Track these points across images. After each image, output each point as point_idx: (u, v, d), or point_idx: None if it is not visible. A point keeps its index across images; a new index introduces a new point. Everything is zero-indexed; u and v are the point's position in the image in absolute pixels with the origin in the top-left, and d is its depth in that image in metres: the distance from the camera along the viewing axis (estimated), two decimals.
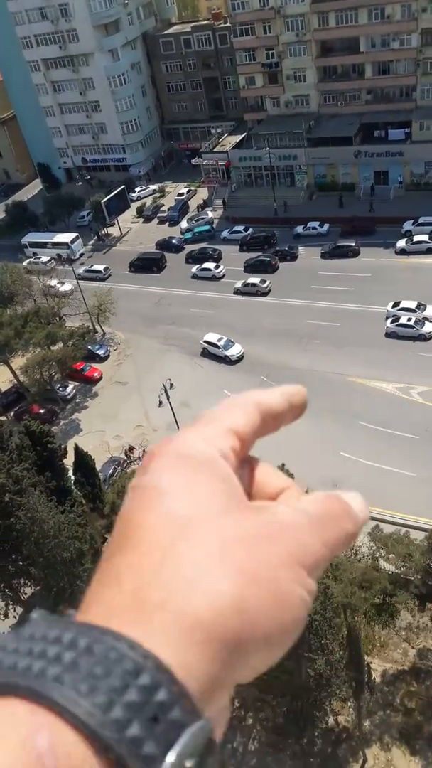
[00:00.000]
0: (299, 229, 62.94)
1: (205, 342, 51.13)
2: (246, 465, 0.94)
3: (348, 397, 43.31)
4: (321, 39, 65.76)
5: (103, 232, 73.99)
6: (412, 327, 46.58)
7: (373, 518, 33.03)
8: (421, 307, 47.78)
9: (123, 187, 76.24)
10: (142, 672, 0.62)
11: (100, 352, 55.30)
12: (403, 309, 48.02)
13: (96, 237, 74.26)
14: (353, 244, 57.88)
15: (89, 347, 54.13)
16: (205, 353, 51.16)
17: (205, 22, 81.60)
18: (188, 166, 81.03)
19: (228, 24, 72.34)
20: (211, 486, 0.80)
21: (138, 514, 0.76)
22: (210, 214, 70.90)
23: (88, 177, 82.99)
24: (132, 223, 75.64)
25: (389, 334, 47.39)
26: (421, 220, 57.97)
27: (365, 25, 62.72)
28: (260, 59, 69.03)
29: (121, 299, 57.45)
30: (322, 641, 25.82)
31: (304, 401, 1.05)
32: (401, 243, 56.80)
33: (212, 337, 50.93)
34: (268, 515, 0.80)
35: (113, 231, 74.03)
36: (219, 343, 50.18)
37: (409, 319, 47.04)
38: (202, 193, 75.72)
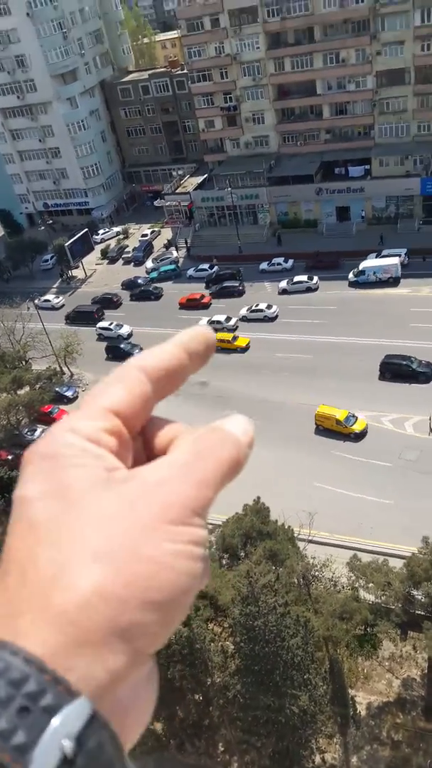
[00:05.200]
0: (264, 265, 63.98)
1: (100, 329, 61.52)
2: (139, 436, 0.93)
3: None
4: (278, 83, 67.69)
5: (67, 275, 74.13)
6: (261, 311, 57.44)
7: (351, 548, 32.85)
8: (269, 306, 57.74)
9: (86, 230, 76.62)
10: (10, 668, 0.64)
11: (69, 394, 54.70)
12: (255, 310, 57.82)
13: (61, 279, 74.34)
14: (237, 284, 62.12)
15: (57, 389, 53.54)
16: (101, 337, 60.50)
17: (162, 69, 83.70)
18: (151, 207, 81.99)
19: (185, 71, 74.20)
20: (74, 477, 0.79)
21: (9, 531, 0.78)
22: (175, 254, 71.64)
23: (51, 221, 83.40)
24: (97, 264, 75.95)
25: (243, 318, 57.55)
26: (384, 252, 59.45)
27: (321, 69, 64.83)
28: (218, 103, 70.72)
29: (88, 340, 57.26)
30: (305, 676, 25.25)
31: (207, 344, 0.97)
32: (283, 284, 60.23)
33: (105, 323, 61.97)
34: (132, 483, 0.80)
35: (78, 273, 74.20)
36: (111, 327, 61.02)
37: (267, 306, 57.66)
38: (166, 234, 76.56)
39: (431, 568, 27.10)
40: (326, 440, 42.22)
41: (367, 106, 65.18)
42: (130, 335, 59.18)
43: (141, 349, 52.64)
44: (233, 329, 56.81)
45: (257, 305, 58.33)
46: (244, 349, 54.00)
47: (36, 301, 66.80)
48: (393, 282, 56.46)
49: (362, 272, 57.49)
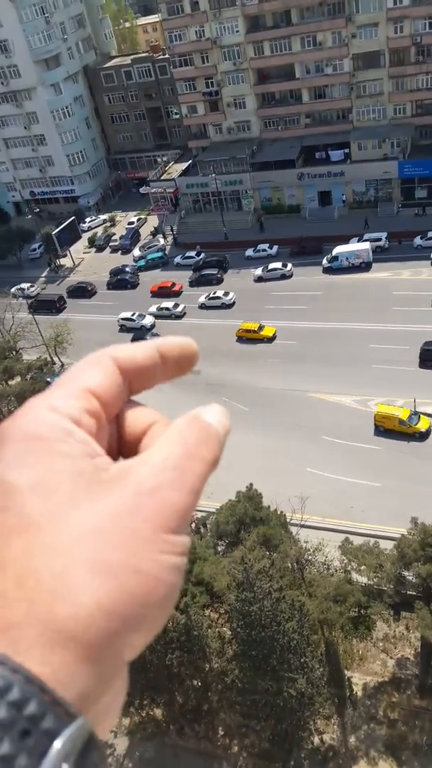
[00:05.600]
0: (250, 251, 64.08)
1: (123, 319, 59.57)
2: (113, 420, 0.92)
3: (310, 413, 43.80)
4: (258, 67, 67.50)
5: (56, 264, 73.84)
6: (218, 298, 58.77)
7: (342, 531, 33.38)
8: (226, 293, 59.36)
9: (73, 218, 76.35)
10: (12, 688, 0.63)
11: None
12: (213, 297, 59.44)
13: (49, 268, 74.06)
14: (215, 272, 62.67)
15: (48, 379, 53.43)
16: (123, 329, 58.96)
17: (144, 54, 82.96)
18: (137, 194, 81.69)
19: (167, 55, 73.65)
20: (63, 469, 0.78)
21: None
22: (162, 241, 71.50)
23: (37, 210, 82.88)
24: (84, 253, 75.68)
25: (202, 305, 59.17)
26: (366, 236, 59.72)
27: (299, 52, 64.72)
28: (200, 88, 70.39)
29: (79, 330, 57.23)
30: (302, 659, 25.79)
31: (184, 354, 0.98)
32: (258, 271, 60.79)
33: (127, 314, 59.76)
34: (126, 486, 0.78)
35: (66, 262, 73.91)
36: (134, 318, 58.98)
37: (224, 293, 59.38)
38: (153, 221, 76.30)
39: (420, 549, 27.62)
40: (315, 425, 42.60)
41: (345, 89, 65.23)
42: (153, 326, 58.21)
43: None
44: (181, 315, 58.57)
45: (215, 293, 59.47)
46: (271, 339, 52.56)
47: (12, 290, 68.01)
48: (365, 267, 57.08)
49: (335, 258, 58.03)
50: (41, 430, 0.80)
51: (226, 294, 58.95)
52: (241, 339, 53.33)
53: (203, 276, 62.75)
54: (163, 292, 62.83)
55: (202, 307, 59.17)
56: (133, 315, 59.30)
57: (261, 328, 53.02)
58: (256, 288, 59.66)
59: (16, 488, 0.75)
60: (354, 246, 58.44)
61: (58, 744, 0.63)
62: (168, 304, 60.10)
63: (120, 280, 66.91)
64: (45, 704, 0.64)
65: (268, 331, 52.85)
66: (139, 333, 56.63)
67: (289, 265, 60.02)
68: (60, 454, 0.79)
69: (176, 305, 59.72)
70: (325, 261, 58.66)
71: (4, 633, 0.67)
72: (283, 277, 59.75)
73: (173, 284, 63.32)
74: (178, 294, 62.43)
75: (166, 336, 0.97)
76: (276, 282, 59.67)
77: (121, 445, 0.93)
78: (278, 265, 60.39)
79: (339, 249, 58.30)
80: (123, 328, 58.97)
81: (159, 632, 0.73)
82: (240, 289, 59.76)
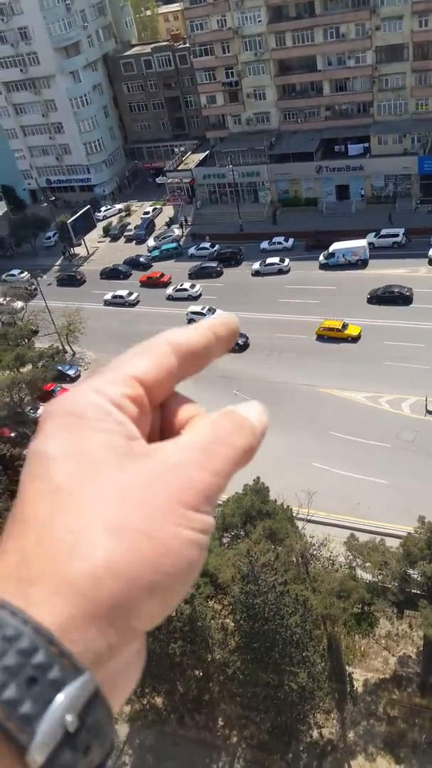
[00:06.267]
0: (265, 244, 63.81)
1: (192, 313, 55.82)
2: (158, 407, 0.95)
3: (319, 408, 43.68)
4: (279, 58, 67.01)
5: (70, 252, 73.94)
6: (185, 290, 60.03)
7: (348, 527, 33.32)
8: (193, 286, 60.36)
9: (88, 207, 76.30)
10: (21, 636, 0.66)
11: (71, 373, 54.94)
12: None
13: (63, 257, 74.17)
14: (215, 265, 62.80)
15: (59, 368, 53.71)
16: (193, 323, 56.78)
17: (164, 43, 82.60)
18: (153, 184, 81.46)
19: (187, 44, 73.31)
20: (96, 442, 0.81)
21: (26, 484, 0.79)
22: (176, 232, 71.37)
23: (53, 198, 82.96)
24: (99, 242, 75.70)
25: (169, 297, 60.73)
26: (383, 232, 59.26)
27: (321, 44, 64.12)
28: (220, 78, 70.01)
29: (90, 318, 57.31)
30: (303, 654, 25.81)
31: (231, 331, 1.01)
32: (256, 266, 60.91)
33: (195, 308, 56.88)
34: (153, 460, 0.81)
35: (80, 251, 73.98)
36: (204, 312, 55.58)
37: (191, 286, 60.39)
38: (168, 211, 76.16)
39: (427, 548, 27.51)
40: (324, 420, 42.51)
41: (367, 82, 64.62)
42: None
43: (246, 338, 51.67)
44: (134, 303, 60.19)
45: (182, 285, 60.47)
46: (356, 339, 48.84)
47: (3, 276, 69.01)
48: (361, 264, 56.80)
49: (332, 254, 57.74)
50: (81, 408, 0.84)
51: (193, 286, 60.04)
52: (321, 338, 50.11)
53: (203, 269, 62.81)
54: (151, 282, 63.76)
55: (170, 298, 60.20)
56: (202, 309, 56.61)
57: (345, 326, 49.14)
58: (267, 282, 59.24)
59: (49, 457, 0.79)
60: (351, 243, 58.00)
61: (62, 696, 0.65)
62: (122, 292, 62.16)
63: (113, 270, 67.99)
64: (52, 655, 0.66)
65: (353, 330, 48.95)
66: None
67: (287, 260, 60.06)
68: (96, 429, 0.82)
69: (130, 293, 61.81)
70: (321, 257, 58.43)
71: (19, 588, 0.70)
72: (281, 272, 59.58)
73: (162, 275, 64.17)
74: (166, 285, 63.09)
75: (213, 315, 1.01)
76: (278, 276, 59.28)
77: (163, 437, 0.94)
78: (276, 259, 60.43)
79: (336, 246, 58.04)
80: (191, 322, 58.10)
81: (162, 620, 0.75)
82: (244, 282, 59.38)
